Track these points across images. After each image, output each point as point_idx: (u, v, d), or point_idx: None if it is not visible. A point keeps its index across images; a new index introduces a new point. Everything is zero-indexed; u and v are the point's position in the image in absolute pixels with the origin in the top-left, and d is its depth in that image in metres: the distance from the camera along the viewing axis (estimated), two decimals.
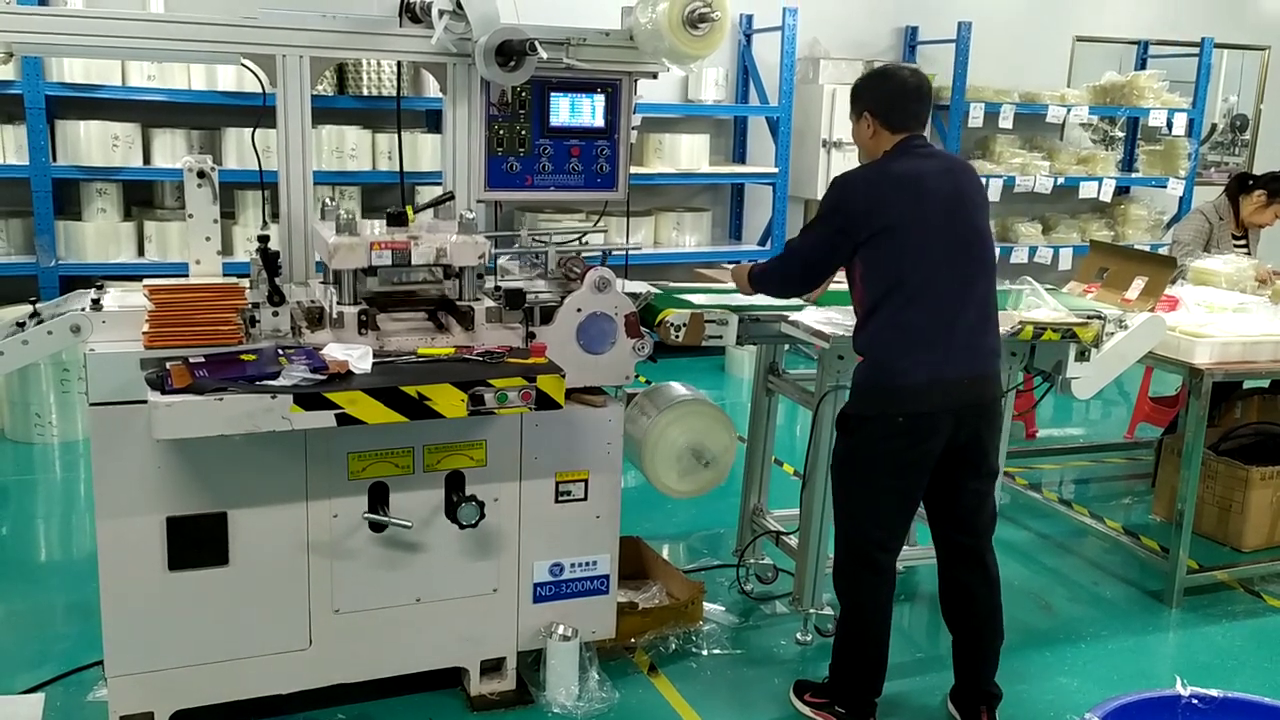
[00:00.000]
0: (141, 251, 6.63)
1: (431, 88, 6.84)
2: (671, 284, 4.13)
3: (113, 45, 3.11)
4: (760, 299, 3.69)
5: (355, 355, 2.88)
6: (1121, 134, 9.82)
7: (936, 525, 3.42)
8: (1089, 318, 3.79)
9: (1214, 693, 2.45)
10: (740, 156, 8.50)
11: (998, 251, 8.79)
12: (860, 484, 3.27)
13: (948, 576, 3.43)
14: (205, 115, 6.69)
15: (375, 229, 3.18)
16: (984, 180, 8.46)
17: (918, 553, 4.18)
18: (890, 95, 3.24)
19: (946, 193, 3.16)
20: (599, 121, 3.50)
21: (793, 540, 4.04)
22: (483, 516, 3.19)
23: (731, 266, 3.75)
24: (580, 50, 3.36)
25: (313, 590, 3.18)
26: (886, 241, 3.12)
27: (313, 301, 3.17)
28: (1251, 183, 5.97)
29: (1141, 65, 9.72)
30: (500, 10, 3.15)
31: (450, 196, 3.39)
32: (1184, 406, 4.67)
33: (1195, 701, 2.43)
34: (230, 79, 6.47)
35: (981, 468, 3.30)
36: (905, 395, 3.12)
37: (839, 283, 3.55)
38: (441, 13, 3.14)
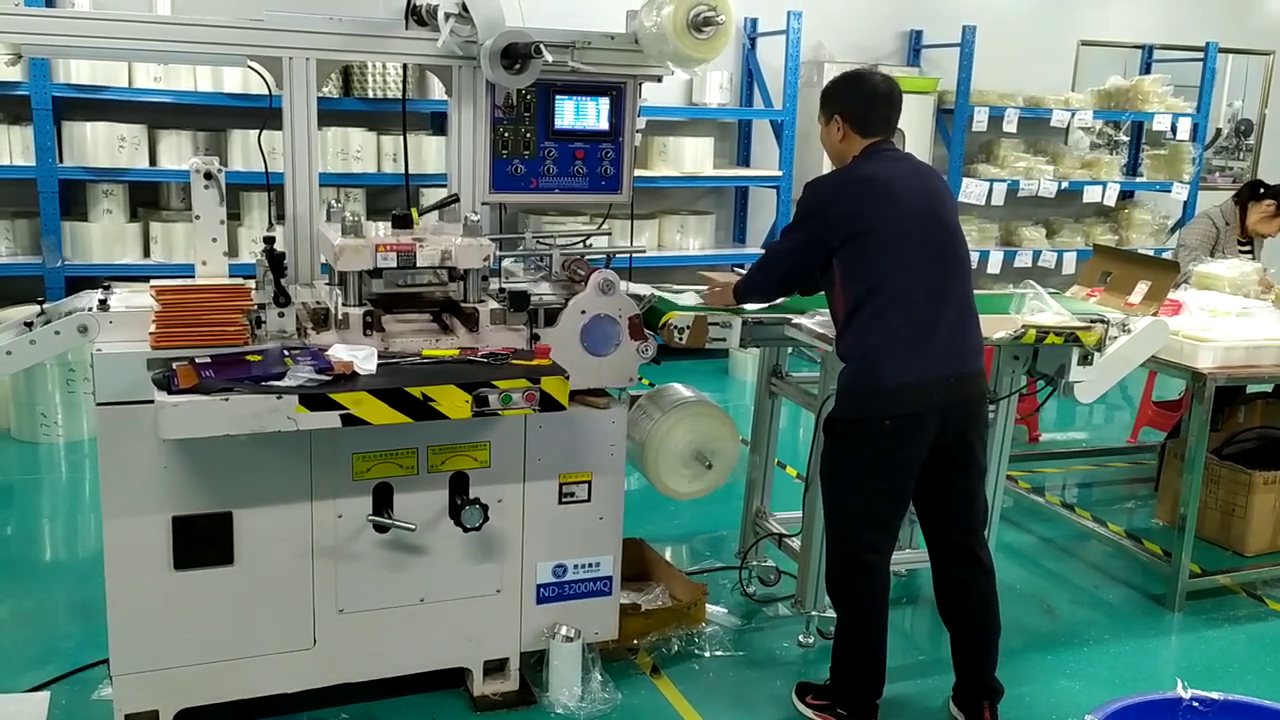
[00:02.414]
0: (147, 252, 6.64)
1: (437, 90, 6.85)
2: (675, 286, 4.14)
3: (119, 47, 3.12)
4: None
5: (360, 356, 2.90)
6: (1126, 138, 9.82)
7: (928, 524, 3.43)
8: (1092, 322, 3.80)
9: (1215, 695, 2.45)
10: (744, 160, 8.51)
11: (1001, 256, 8.83)
12: (849, 487, 3.27)
13: (943, 573, 3.44)
14: (211, 117, 6.71)
15: (380, 231, 3.19)
16: (987, 184, 8.57)
17: (919, 556, 4.18)
18: (863, 100, 3.25)
19: (919, 194, 3.18)
20: (604, 124, 3.51)
21: (795, 543, 4.05)
22: (486, 519, 3.20)
23: (718, 283, 3.71)
24: (585, 53, 3.37)
25: (317, 590, 3.19)
26: (863, 245, 3.13)
27: (318, 302, 3.18)
28: (1263, 191, 5.96)
29: (1146, 70, 9.72)
30: (506, 13, 3.16)
31: (455, 199, 3.40)
32: (1187, 411, 4.68)
33: (1196, 704, 2.43)
34: (236, 81, 6.49)
35: (970, 466, 3.31)
36: (890, 398, 3.13)
37: None
38: (447, 16, 3.15)
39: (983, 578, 3.40)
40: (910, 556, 4.17)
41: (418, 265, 3.12)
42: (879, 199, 3.14)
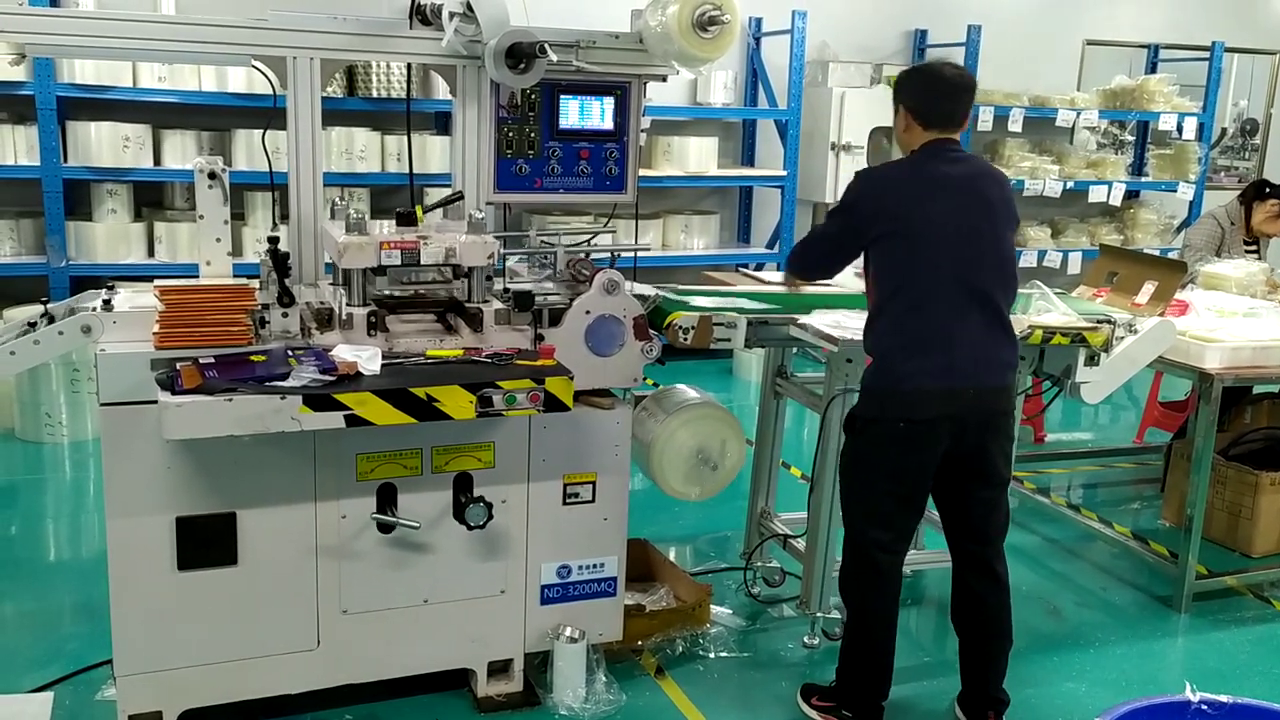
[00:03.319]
0: (151, 252, 6.65)
1: (441, 90, 6.85)
2: (680, 286, 4.13)
3: (124, 47, 3.12)
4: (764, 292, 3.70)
5: (364, 356, 2.89)
6: (1131, 138, 9.80)
7: (949, 533, 3.43)
8: (1099, 322, 3.78)
9: (1223, 698, 2.43)
10: (749, 159, 8.49)
11: None
12: (862, 486, 3.28)
13: (960, 583, 3.43)
14: (215, 116, 6.71)
15: (384, 229, 3.19)
16: None
17: (925, 557, 4.18)
18: (925, 91, 3.23)
19: (967, 200, 3.15)
20: (608, 124, 3.50)
21: (800, 544, 4.04)
22: (490, 518, 3.20)
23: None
24: (590, 53, 3.36)
25: (321, 591, 3.19)
26: (895, 243, 3.12)
27: (322, 303, 3.17)
28: (1269, 190, 5.95)
29: (1152, 69, 9.70)
30: (510, 13, 3.15)
31: (459, 196, 3.39)
32: (1193, 411, 4.66)
33: (1205, 707, 2.42)
34: (240, 81, 6.49)
35: (990, 477, 3.29)
36: (905, 400, 3.12)
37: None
38: (452, 15, 3.14)
39: (996, 592, 3.37)
40: (917, 557, 4.15)
41: (422, 262, 3.11)
42: (920, 199, 3.12)
